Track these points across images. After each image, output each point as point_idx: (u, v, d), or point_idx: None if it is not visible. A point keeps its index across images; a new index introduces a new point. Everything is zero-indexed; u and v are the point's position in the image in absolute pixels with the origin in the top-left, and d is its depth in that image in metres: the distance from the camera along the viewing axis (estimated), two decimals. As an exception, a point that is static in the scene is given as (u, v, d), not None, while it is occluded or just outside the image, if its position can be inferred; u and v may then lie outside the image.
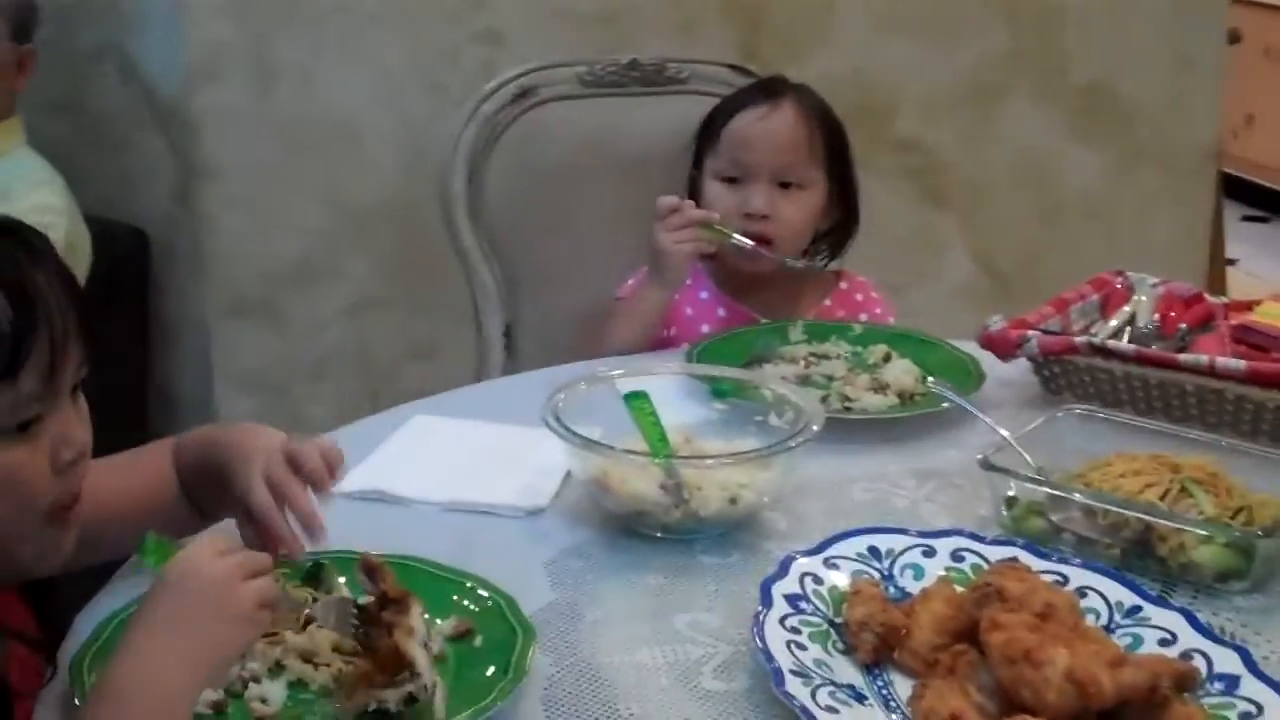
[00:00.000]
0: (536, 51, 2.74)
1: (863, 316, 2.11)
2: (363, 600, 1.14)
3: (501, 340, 2.23)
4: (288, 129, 2.86)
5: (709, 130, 2.08)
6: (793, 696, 1.10)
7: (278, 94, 2.84)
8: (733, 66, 2.36)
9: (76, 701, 1.08)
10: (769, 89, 2.08)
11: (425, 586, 1.22)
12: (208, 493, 1.33)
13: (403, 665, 1.08)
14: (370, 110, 2.91)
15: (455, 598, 1.24)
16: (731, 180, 2.03)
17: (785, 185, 2.02)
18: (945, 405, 1.68)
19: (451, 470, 1.56)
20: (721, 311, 2.07)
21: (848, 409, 1.70)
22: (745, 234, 1.99)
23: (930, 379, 1.74)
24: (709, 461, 1.44)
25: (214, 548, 1.07)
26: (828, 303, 2.11)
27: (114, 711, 0.99)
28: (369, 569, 1.15)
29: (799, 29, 3.14)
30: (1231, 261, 4.66)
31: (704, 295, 2.08)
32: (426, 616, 1.16)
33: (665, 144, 2.22)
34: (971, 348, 1.86)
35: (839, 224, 2.11)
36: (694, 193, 2.08)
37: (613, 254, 2.15)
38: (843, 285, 2.14)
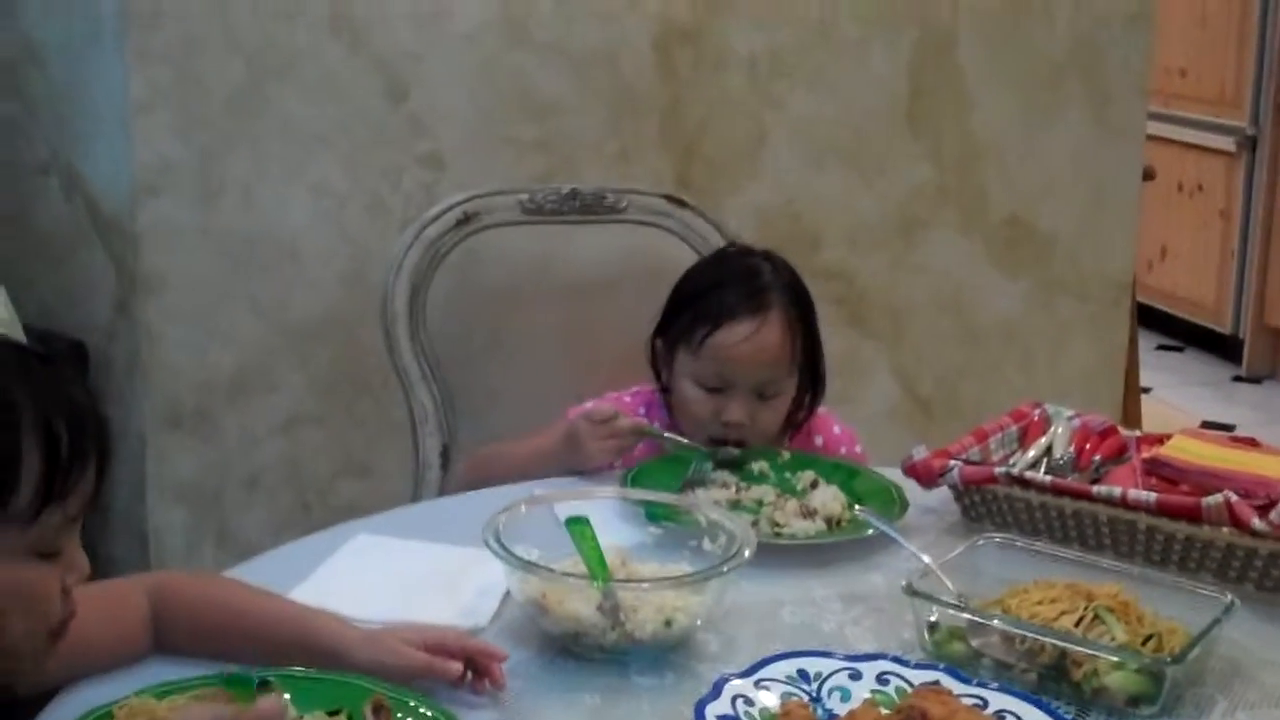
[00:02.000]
0: (477, 175, 2.84)
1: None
2: None
3: (439, 460, 2.27)
4: (229, 244, 2.91)
5: (689, 330, 2.02)
6: (726, 816, 1.14)
7: (221, 209, 2.89)
8: (669, 198, 2.44)
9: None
10: (756, 298, 2.02)
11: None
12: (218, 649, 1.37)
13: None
14: (312, 228, 2.96)
15: (399, 715, 1.28)
16: (710, 388, 2.01)
17: (763, 396, 2.02)
18: (871, 532, 1.74)
19: (392, 589, 1.59)
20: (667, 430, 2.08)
21: (778, 534, 1.76)
22: (719, 439, 2.00)
23: (856, 506, 1.80)
24: (645, 585, 1.49)
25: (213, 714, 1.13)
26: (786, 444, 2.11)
27: None
28: (377, 707, 1.23)
29: (732, 160, 3.24)
30: (1146, 390, 4.80)
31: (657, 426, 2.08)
32: None
33: (604, 270, 2.30)
34: (895, 474, 1.93)
35: (805, 392, 2.11)
36: (655, 362, 2.09)
37: (551, 377, 2.21)
38: (817, 440, 2.15)
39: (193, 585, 1.45)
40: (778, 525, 1.78)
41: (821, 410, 2.16)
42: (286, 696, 1.24)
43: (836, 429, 2.19)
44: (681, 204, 2.43)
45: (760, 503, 1.85)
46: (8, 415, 1.05)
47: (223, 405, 2.96)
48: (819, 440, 2.16)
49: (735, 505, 1.83)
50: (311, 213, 2.96)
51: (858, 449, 2.19)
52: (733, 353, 1.99)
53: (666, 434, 2.01)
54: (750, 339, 1.99)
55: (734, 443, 2.00)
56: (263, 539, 2.74)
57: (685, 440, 2.00)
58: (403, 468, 2.48)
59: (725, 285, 2.04)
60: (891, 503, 1.85)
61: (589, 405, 2.05)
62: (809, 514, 1.80)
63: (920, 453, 1.87)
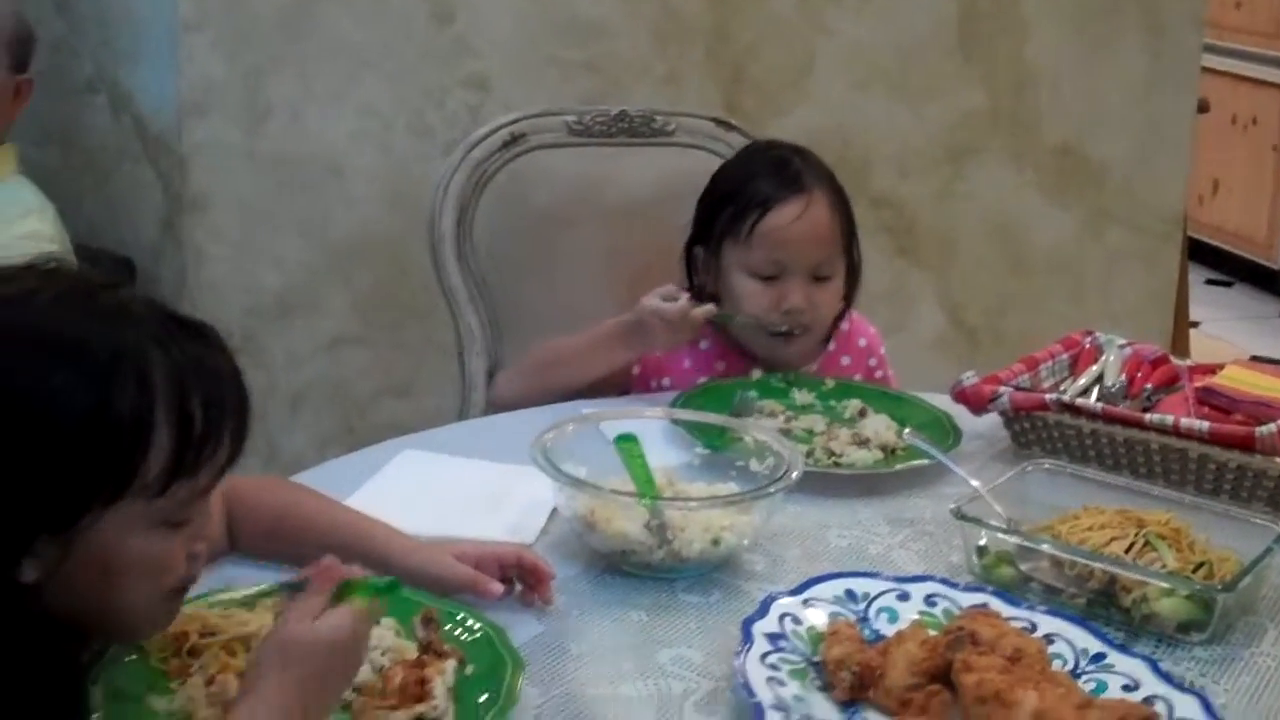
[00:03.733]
0: (522, 97, 2.81)
1: (872, 361, 2.16)
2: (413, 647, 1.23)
3: (484, 380, 2.27)
4: (275, 165, 2.90)
5: (734, 223, 2.01)
6: (773, 730, 1.14)
7: (266, 130, 2.88)
8: (717, 120, 2.41)
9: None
10: (795, 182, 2.01)
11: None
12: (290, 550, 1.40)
13: (419, 695, 1.15)
14: (356, 149, 2.95)
15: (448, 628, 1.28)
16: (765, 277, 2.01)
17: (818, 278, 2.02)
18: (926, 461, 1.72)
19: (440, 505, 1.60)
20: (721, 364, 2.08)
21: (836, 464, 1.75)
22: (779, 334, 2.01)
23: (907, 431, 1.79)
24: (693, 503, 1.49)
25: (315, 609, 1.12)
26: (831, 347, 2.12)
27: None
28: (427, 619, 1.24)
29: (779, 84, 3.21)
30: (1195, 324, 4.76)
31: (704, 345, 2.08)
32: (468, 671, 1.22)
33: (650, 193, 2.28)
34: (941, 402, 1.92)
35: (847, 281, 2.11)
36: (690, 270, 2.09)
37: (596, 299, 2.19)
38: (844, 326, 2.14)
39: (258, 489, 1.47)
40: (834, 455, 1.77)
41: (854, 313, 2.16)
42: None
43: (871, 329, 2.20)
44: (729, 127, 2.40)
45: (811, 432, 1.84)
46: (141, 389, 1.03)
47: (268, 325, 2.96)
48: (862, 342, 2.17)
49: (785, 435, 1.81)
50: (356, 134, 2.95)
51: (882, 352, 2.20)
52: (786, 234, 1.98)
53: (739, 316, 2.00)
54: (801, 218, 1.99)
55: (793, 330, 2.00)
56: (307, 457, 2.76)
57: (753, 320, 2.00)
58: (444, 389, 2.49)
59: (761, 174, 2.04)
60: (944, 432, 1.83)
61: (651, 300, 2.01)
62: (862, 442, 1.79)
63: (970, 379, 1.85)
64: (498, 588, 1.37)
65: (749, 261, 2.01)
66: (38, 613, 1.05)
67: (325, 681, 1.10)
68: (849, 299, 2.11)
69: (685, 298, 1.95)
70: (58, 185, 2.71)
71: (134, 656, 1.22)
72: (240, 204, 2.89)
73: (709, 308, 1.96)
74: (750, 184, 2.03)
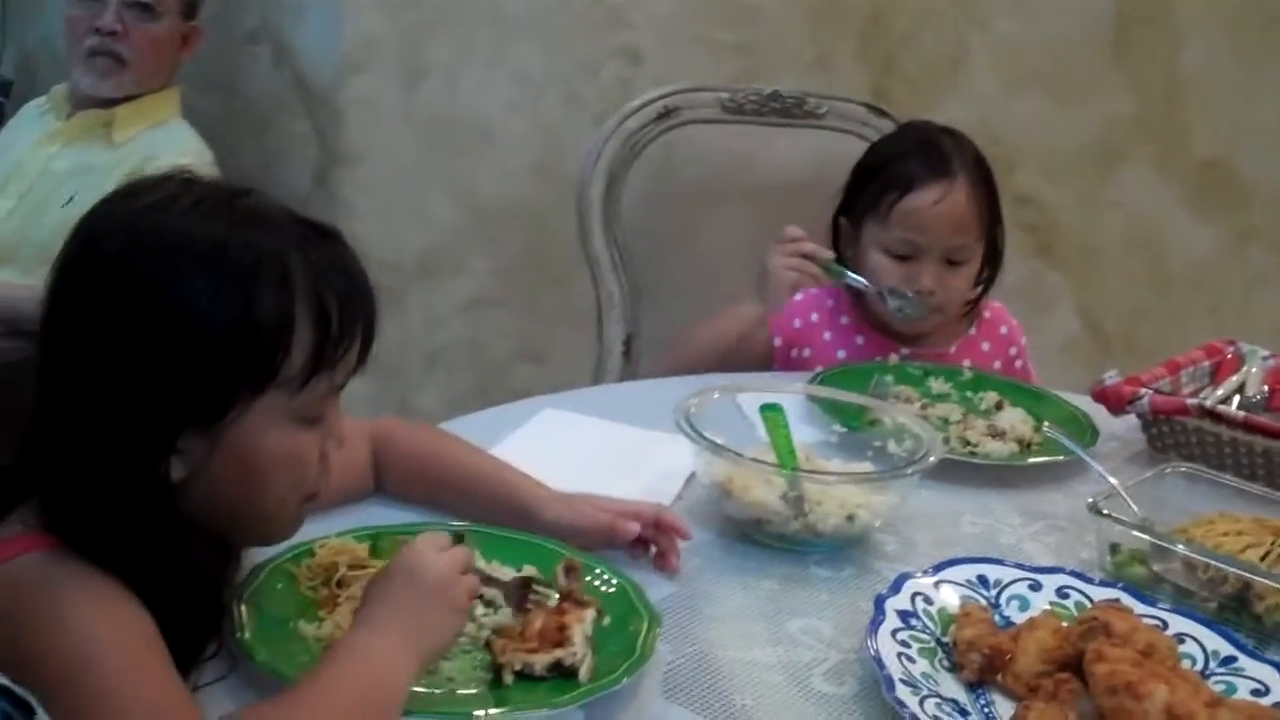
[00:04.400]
0: (673, 72, 2.84)
1: (1012, 350, 2.17)
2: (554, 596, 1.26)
3: (621, 348, 2.31)
4: (427, 126, 2.96)
5: (876, 199, 2.04)
6: (903, 703, 1.16)
7: (422, 91, 2.94)
8: (869, 106, 2.43)
9: (235, 633, 1.17)
10: (941, 165, 2.03)
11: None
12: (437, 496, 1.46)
13: (558, 641, 1.18)
14: (507, 115, 3.00)
15: (587, 579, 1.32)
16: (899, 256, 2.04)
17: (952, 262, 2.04)
18: (1062, 457, 1.72)
19: (579, 464, 1.63)
20: (860, 339, 2.10)
21: (972, 453, 1.76)
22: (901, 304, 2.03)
23: (1046, 424, 1.79)
24: (831, 478, 1.51)
25: (435, 544, 1.17)
26: (972, 331, 2.14)
27: (340, 686, 1.06)
28: (569, 568, 1.27)
29: (930, 76, 3.21)
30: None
31: (844, 320, 2.11)
32: (605, 622, 1.26)
33: (798, 174, 2.31)
34: (1078, 401, 1.92)
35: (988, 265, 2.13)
36: (836, 239, 2.11)
37: (738, 276, 2.21)
38: (986, 314, 2.16)
39: (408, 433, 1.51)
40: (969, 444, 1.78)
41: (995, 303, 2.17)
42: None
43: (1013, 320, 2.21)
44: (881, 113, 2.42)
45: (946, 420, 1.84)
46: (284, 286, 1.08)
47: (410, 283, 3.02)
48: (1004, 330, 2.18)
49: (921, 422, 1.83)
50: (509, 99, 2.99)
51: (1023, 341, 2.21)
52: (922, 217, 2.01)
53: (849, 273, 2.04)
54: (939, 202, 2.01)
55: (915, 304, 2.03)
56: (439, 417, 2.80)
57: (864, 283, 2.03)
58: (578, 356, 2.53)
59: (910, 154, 2.06)
60: (1082, 429, 1.83)
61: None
62: (998, 434, 1.79)
63: (1112, 378, 1.85)
64: (634, 528, 1.40)
65: (885, 239, 2.04)
66: (182, 513, 1.11)
67: (422, 614, 1.13)
68: (989, 283, 2.12)
69: (803, 236, 2.02)
70: (217, 132, 2.79)
71: (283, 585, 1.27)
72: (391, 162, 2.95)
73: (825, 251, 2.03)
74: (897, 162, 2.06)
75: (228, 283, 1.07)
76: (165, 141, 2.67)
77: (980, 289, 2.12)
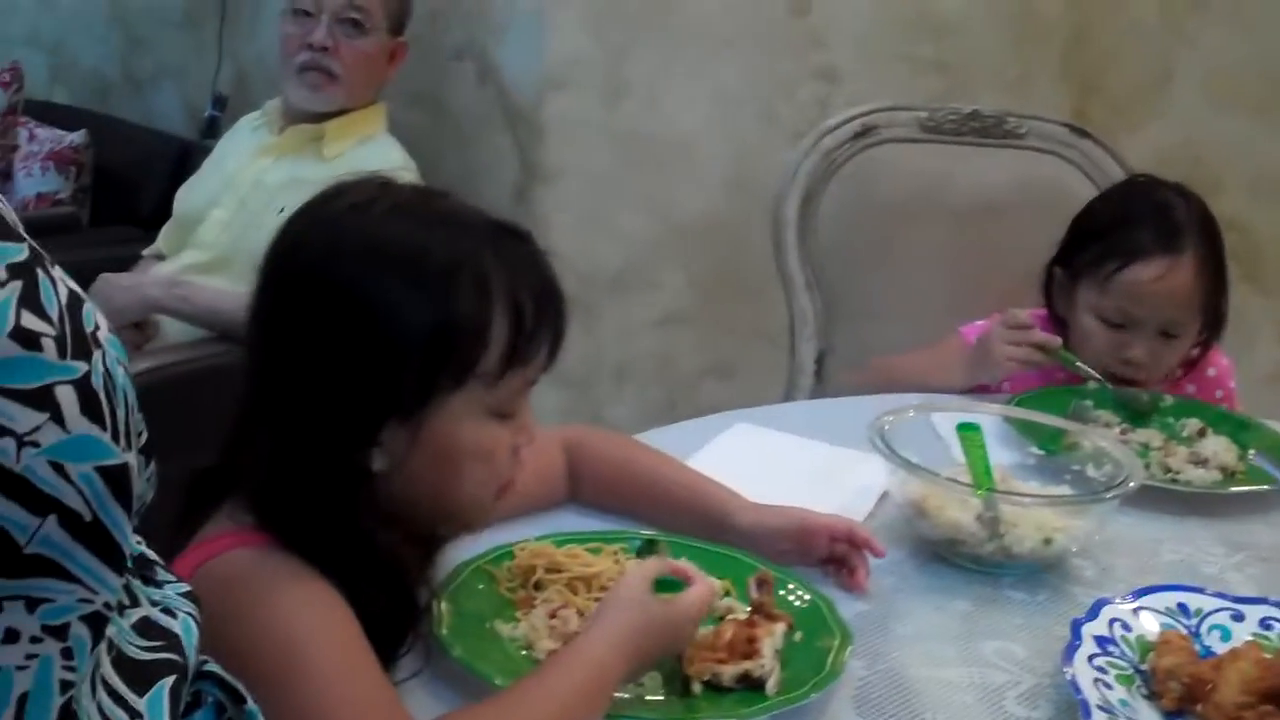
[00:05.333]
0: (870, 92, 2.83)
1: (1219, 394, 2.10)
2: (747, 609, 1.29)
3: (813, 366, 2.31)
4: (627, 142, 3.00)
5: (1096, 263, 1.97)
6: (1099, 729, 1.15)
7: (622, 108, 2.98)
8: (1071, 127, 2.39)
9: (433, 629, 1.21)
10: (1171, 238, 1.95)
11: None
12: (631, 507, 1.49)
13: (747, 653, 1.19)
14: (705, 132, 3.03)
15: (780, 593, 1.32)
16: (1112, 324, 1.98)
17: (1166, 334, 1.98)
18: (1268, 487, 1.68)
19: (771, 478, 1.63)
20: (1060, 376, 2.03)
21: (1173, 480, 1.72)
22: (1116, 377, 1.96)
23: (1253, 454, 1.75)
24: (1028, 500, 1.49)
25: (706, 594, 1.21)
26: (1178, 374, 2.07)
27: (562, 679, 1.11)
28: (762, 581, 1.29)
29: (1133, 95, 3.15)
30: None
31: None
32: (795, 637, 1.26)
33: (998, 195, 2.29)
34: (1287, 431, 1.87)
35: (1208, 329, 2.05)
36: (1049, 288, 2.06)
37: (934, 296, 2.21)
38: (1210, 372, 2.09)
39: (603, 442, 1.54)
40: (1171, 471, 1.74)
41: (1225, 360, 2.11)
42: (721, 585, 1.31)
43: (1224, 360, 2.13)
44: (1084, 134, 2.38)
45: (1147, 446, 1.81)
46: (482, 282, 1.12)
47: (602, 297, 3.06)
48: (1211, 372, 2.11)
49: (1121, 447, 1.79)
50: (707, 117, 3.02)
51: (1231, 384, 2.13)
52: (1142, 291, 1.94)
53: (1078, 362, 1.95)
54: (1162, 279, 1.93)
55: (1132, 382, 1.96)
56: (630, 428, 2.83)
57: (1092, 371, 1.95)
58: (768, 373, 2.53)
59: (1137, 221, 1.98)
60: (1287, 458, 1.78)
61: (991, 319, 2.02)
62: (1200, 462, 1.75)
63: (1323, 406, 1.80)
64: (824, 544, 1.41)
65: (1100, 305, 1.97)
66: (382, 506, 1.14)
67: (657, 644, 1.18)
68: (1206, 346, 2.05)
69: (1029, 317, 1.95)
70: (421, 147, 2.86)
71: (484, 586, 1.31)
72: (590, 177, 3.00)
73: (1053, 338, 1.95)
74: (1123, 229, 1.97)
75: (429, 282, 1.11)
76: (373, 156, 2.74)
77: (1197, 351, 2.05)
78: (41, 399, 0.65)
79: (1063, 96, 3.12)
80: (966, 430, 1.53)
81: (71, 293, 0.71)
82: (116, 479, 0.69)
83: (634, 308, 3.09)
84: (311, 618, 1.06)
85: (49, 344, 0.66)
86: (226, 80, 3.74)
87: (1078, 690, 1.20)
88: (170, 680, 0.80)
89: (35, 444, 0.65)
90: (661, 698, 1.19)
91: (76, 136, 3.83)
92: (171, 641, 0.82)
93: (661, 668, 1.21)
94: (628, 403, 3.13)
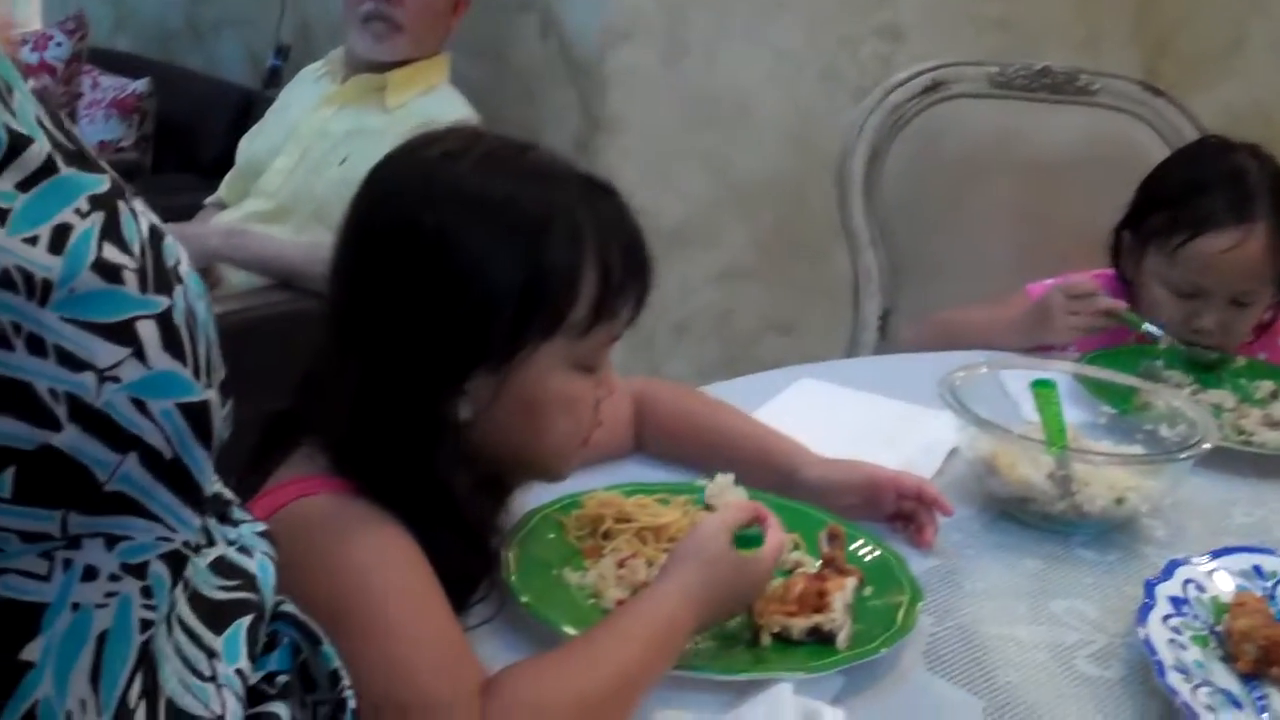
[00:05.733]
0: (933, 50, 2.79)
1: None
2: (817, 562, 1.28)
3: (877, 323, 2.29)
4: (688, 98, 2.98)
5: (1165, 231, 1.92)
6: (1175, 690, 1.13)
7: (683, 64, 2.96)
8: (1145, 85, 2.35)
9: (503, 576, 1.21)
10: (1243, 207, 1.89)
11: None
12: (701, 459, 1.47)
13: (818, 606, 1.18)
14: (766, 90, 3.00)
15: (849, 548, 1.31)
16: (1182, 293, 1.93)
17: (1238, 303, 1.92)
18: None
19: (838, 435, 1.61)
20: (1130, 340, 2.00)
21: (1246, 442, 1.70)
22: (1186, 344, 1.92)
23: (1326, 416, 1.73)
24: (1100, 459, 1.48)
25: (778, 544, 1.20)
26: (1249, 338, 2.02)
27: (633, 629, 1.10)
28: (833, 535, 1.28)
29: (1205, 57, 3.10)
30: None
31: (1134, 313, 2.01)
32: (865, 591, 1.25)
33: (1067, 153, 2.25)
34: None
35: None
36: (1117, 251, 2.03)
37: (1001, 254, 2.18)
38: (1265, 315, 2.02)
39: (671, 394, 1.54)
40: (1244, 433, 1.72)
41: None
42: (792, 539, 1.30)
43: None
44: (1158, 93, 2.34)
45: (1220, 408, 1.78)
46: (574, 236, 1.12)
47: (663, 253, 3.00)
48: None
49: (1189, 407, 1.77)
50: (768, 75, 2.99)
51: None
52: (1212, 262, 1.88)
53: (1146, 325, 1.92)
54: (1234, 250, 1.88)
55: (1203, 349, 1.93)
56: (689, 383, 2.82)
57: (1159, 332, 1.92)
58: (828, 330, 2.52)
59: (1208, 188, 1.91)
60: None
61: (1058, 280, 1.99)
62: (1274, 424, 1.73)
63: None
64: (891, 498, 1.40)
65: (1168, 275, 1.93)
66: (464, 455, 1.14)
67: (729, 598, 1.17)
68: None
69: (1095, 285, 1.92)
70: (484, 99, 2.85)
71: (553, 535, 1.30)
72: (651, 132, 2.98)
73: (1117, 303, 1.92)
74: (1193, 197, 1.91)
75: (522, 232, 1.10)
76: (436, 106, 2.73)
77: (1270, 315, 2.01)
78: (123, 333, 0.64)
79: (1133, 56, 3.08)
80: (1042, 387, 1.52)
81: (153, 226, 0.70)
82: (197, 416, 0.68)
83: (694, 263, 3.08)
84: (387, 565, 1.06)
85: (130, 277, 0.65)
86: (289, 29, 3.73)
87: (1152, 650, 1.18)
88: (247, 620, 0.80)
89: (116, 379, 0.64)
90: (731, 649, 1.18)
91: (140, 85, 3.84)
92: (248, 581, 0.82)
93: (734, 620, 1.20)
94: (686, 357, 3.12)
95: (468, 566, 1.17)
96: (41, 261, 0.61)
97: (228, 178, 2.92)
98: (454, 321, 1.10)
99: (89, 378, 0.63)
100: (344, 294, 1.15)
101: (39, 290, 0.60)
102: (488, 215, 1.10)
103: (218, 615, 0.78)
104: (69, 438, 0.62)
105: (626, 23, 2.92)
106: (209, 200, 2.91)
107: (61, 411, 0.62)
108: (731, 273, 3.09)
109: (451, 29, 2.85)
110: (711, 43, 2.96)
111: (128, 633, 0.68)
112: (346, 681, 0.87)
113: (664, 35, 2.94)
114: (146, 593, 0.69)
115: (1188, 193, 1.94)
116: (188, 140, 3.64)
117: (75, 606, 0.65)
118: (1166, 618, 1.25)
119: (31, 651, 0.64)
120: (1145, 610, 1.24)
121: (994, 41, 3.02)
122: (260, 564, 0.84)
